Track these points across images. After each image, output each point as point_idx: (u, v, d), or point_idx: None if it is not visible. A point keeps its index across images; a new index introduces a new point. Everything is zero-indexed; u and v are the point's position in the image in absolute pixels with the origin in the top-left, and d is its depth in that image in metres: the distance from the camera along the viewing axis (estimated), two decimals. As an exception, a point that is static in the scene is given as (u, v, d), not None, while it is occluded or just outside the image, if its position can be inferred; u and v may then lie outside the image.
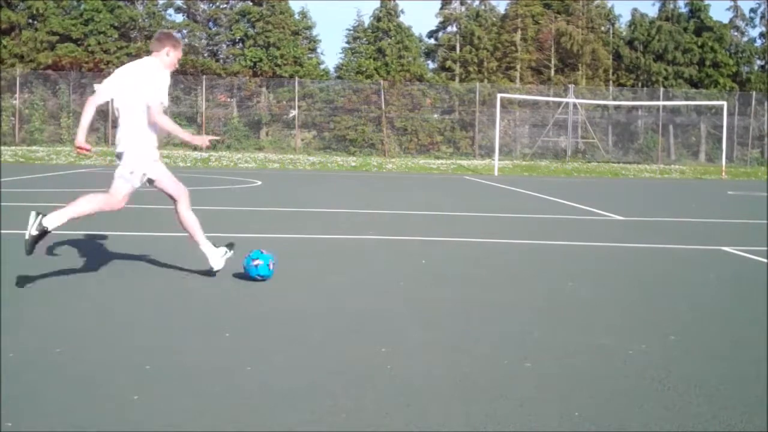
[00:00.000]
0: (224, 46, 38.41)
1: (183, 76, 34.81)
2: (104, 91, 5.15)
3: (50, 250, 6.17)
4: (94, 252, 6.54)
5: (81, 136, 5.12)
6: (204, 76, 34.83)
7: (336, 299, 4.86)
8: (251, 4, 37.13)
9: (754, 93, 37.32)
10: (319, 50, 40.06)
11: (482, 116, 35.56)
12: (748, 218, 11.65)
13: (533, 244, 7.99)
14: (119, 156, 5.17)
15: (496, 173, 26.79)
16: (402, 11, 39.11)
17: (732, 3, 43.92)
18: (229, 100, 36.35)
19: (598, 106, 36.71)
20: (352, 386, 3.09)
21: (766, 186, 22.44)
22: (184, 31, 37.78)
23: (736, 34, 40.65)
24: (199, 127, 33.81)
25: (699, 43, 38.67)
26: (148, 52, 5.34)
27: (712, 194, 18.38)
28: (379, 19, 37.89)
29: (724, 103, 31.32)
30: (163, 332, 3.93)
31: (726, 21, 40.52)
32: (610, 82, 38.83)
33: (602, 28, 40.31)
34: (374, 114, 35.28)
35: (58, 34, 34.94)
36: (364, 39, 38.17)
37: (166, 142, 31.34)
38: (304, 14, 38.24)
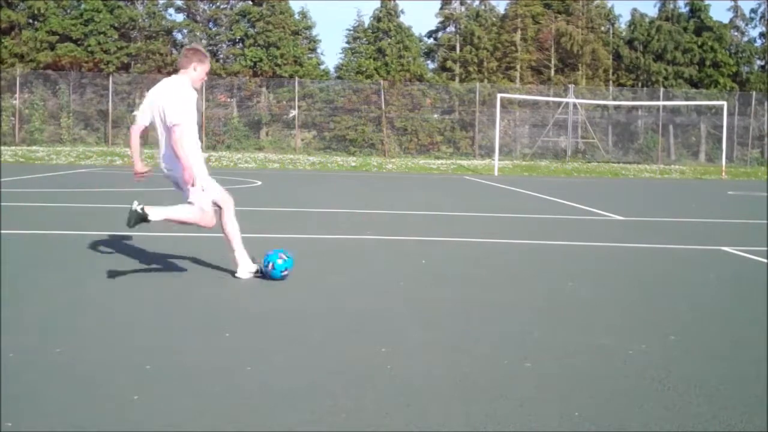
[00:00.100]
0: (224, 46, 38.42)
1: (183, 76, 34.77)
2: (140, 116, 5.36)
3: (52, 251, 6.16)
4: (94, 252, 6.54)
5: (138, 165, 5.45)
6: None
7: (336, 299, 4.86)
8: (251, 4, 37.13)
9: (754, 93, 37.31)
10: (319, 50, 40.07)
11: (482, 116, 35.55)
12: (748, 218, 11.65)
13: (533, 244, 7.99)
14: (170, 177, 5.33)
15: (496, 173, 26.79)
16: (402, 11, 39.13)
17: (732, 3, 43.92)
18: (229, 100, 36.34)
19: (598, 106, 36.71)
20: (352, 386, 3.09)
21: (766, 186, 22.44)
22: (185, 31, 37.79)
23: (736, 34, 40.64)
24: (200, 127, 33.80)
25: (699, 43, 38.66)
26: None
27: (712, 194, 18.39)
28: (379, 19, 37.88)
29: (724, 103, 31.33)
30: (163, 332, 3.93)
31: (726, 21, 40.54)
32: (610, 82, 38.83)
33: (602, 28, 40.30)
34: (374, 114, 35.27)
35: (58, 34, 34.94)
36: (364, 39, 38.16)
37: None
38: (304, 14, 38.24)
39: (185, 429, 2.61)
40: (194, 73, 5.34)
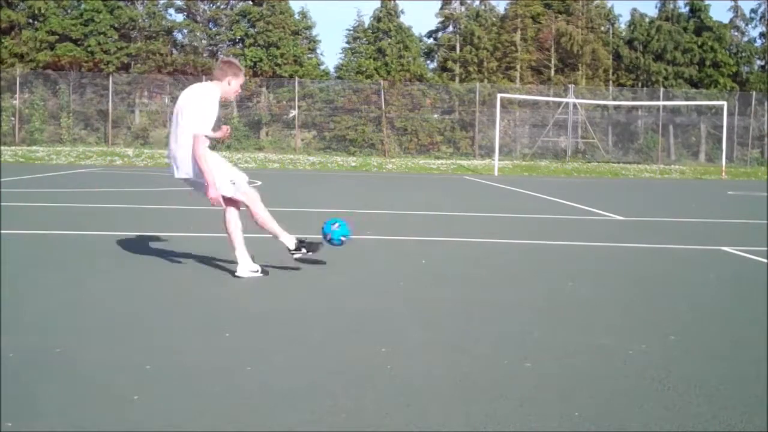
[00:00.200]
0: (224, 45, 38.42)
1: (183, 76, 34.81)
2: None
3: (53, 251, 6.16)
4: (94, 252, 6.54)
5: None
6: (204, 76, 34.82)
7: (336, 299, 4.86)
8: (251, 4, 37.14)
9: (754, 93, 37.31)
10: (319, 50, 40.12)
11: (482, 116, 35.55)
12: (748, 218, 11.65)
13: (533, 244, 7.99)
14: (189, 181, 5.42)
15: (496, 173, 26.79)
16: (402, 11, 39.14)
17: (732, 3, 43.93)
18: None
19: (598, 106, 36.71)
20: (352, 386, 3.09)
21: (766, 186, 22.44)
22: (185, 31, 37.79)
23: (736, 34, 40.65)
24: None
25: (699, 43, 38.66)
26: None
27: (712, 194, 18.39)
28: (379, 20, 37.89)
29: (724, 103, 31.33)
30: (163, 332, 3.93)
31: (726, 21, 40.54)
32: (610, 82, 38.83)
33: (602, 28, 40.31)
34: (374, 114, 35.27)
35: (57, 33, 34.94)
36: (364, 39, 38.16)
37: (166, 142, 31.25)
38: (304, 14, 38.25)
39: (185, 429, 2.61)
40: (228, 87, 5.39)
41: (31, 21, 36.01)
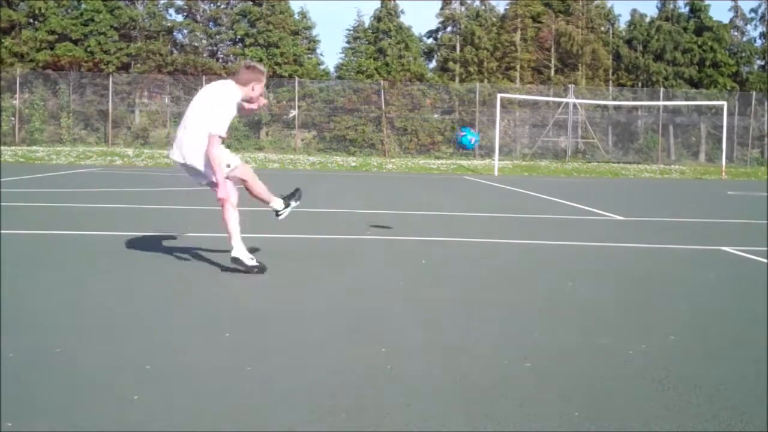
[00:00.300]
0: (224, 45, 38.43)
1: (183, 75, 34.80)
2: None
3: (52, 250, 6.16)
4: (94, 252, 6.54)
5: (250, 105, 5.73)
6: (204, 76, 34.81)
7: (336, 299, 4.85)
8: (251, 4, 37.13)
9: (754, 93, 37.32)
10: (319, 50, 40.15)
11: (482, 116, 35.55)
12: (748, 218, 11.65)
13: (533, 244, 7.98)
14: (187, 167, 5.49)
15: (496, 173, 26.79)
16: (402, 11, 39.16)
17: (732, 3, 43.93)
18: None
19: (598, 106, 36.71)
20: (352, 386, 3.09)
21: (766, 186, 22.44)
22: (185, 31, 37.78)
23: (736, 34, 40.65)
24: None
25: (699, 43, 38.67)
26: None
27: (712, 194, 18.39)
28: (379, 19, 37.90)
29: (724, 103, 31.33)
30: (163, 332, 3.93)
31: (726, 21, 40.56)
32: (610, 82, 38.84)
33: (602, 28, 40.33)
34: (374, 114, 35.27)
35: (57, 33, 34.95)
36: (364, 39, 38.18)
37: (166, 142, 31.35)
38: (304, 14, 38.28)
39: (185, 429, 2.61)
40: (251, 92, 5.47)
41: (31, 21, 36.02)
